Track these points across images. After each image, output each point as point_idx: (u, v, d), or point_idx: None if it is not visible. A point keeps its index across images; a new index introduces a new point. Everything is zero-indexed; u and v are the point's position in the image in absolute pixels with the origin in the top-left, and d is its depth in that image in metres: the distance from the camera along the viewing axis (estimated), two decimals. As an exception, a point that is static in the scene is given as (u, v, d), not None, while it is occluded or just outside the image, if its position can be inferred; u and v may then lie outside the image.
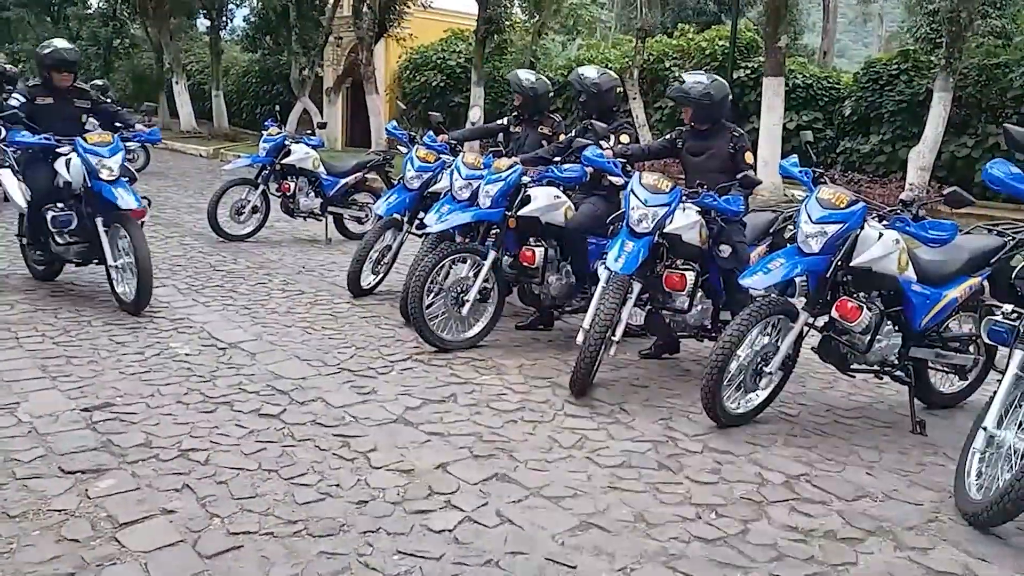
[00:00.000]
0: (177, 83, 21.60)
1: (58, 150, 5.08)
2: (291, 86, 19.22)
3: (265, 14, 21.15)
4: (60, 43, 5.45)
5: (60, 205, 5.12)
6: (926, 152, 11.18)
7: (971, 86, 12.08)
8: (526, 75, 5.68)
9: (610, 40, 20.63)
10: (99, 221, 5.05)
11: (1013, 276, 3.69)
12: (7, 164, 5.43)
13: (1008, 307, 3.53)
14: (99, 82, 15.58)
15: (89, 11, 26.87)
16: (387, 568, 2.46)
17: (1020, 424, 3.05)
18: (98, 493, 2.78)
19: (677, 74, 14.35)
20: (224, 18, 22.61)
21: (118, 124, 5.53)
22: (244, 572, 2.39)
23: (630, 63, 14.33)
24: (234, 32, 26.76)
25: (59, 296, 5.43)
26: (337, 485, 2.97)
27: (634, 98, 13.72)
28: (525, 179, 4.80)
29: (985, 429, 3.11)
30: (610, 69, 16.28)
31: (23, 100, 5.19)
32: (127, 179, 5.09)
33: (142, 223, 5.21)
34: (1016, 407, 3.11)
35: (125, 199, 4.89)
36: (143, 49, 26.81)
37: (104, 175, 4.91)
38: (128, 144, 5.42)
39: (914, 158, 11.30)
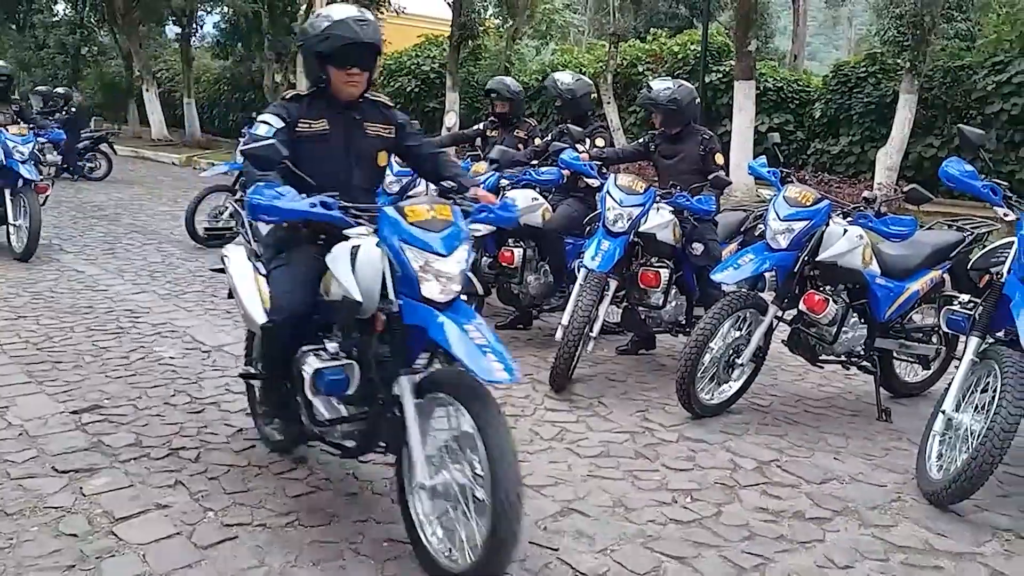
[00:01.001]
0: (147, 91, 21.44)
1: None
2: (264, 93, 19.18)
3: (236, 20, 21.10)
4: None
5: None
6: (893, 152, 11.48)
7: (937, 88, 12.42)
8: (511, 81, 5.86)
9: (584, 45, 20.86)
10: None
11: (968, 267, 3.87)
12: None
13: (965, 297, 3.72)
14: (61, 90, 15.49)
15: (56, 19, 26.54)
16: (378, 555, 2.56)
17: (976, 407, 3.22)
18: (92, 491, 2.85)
19: (651, 78, 14.60)
20: (194, 25, 22.52)
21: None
22: (240, 561, 2.47)
23: (603, 68, 14.53)
24: (204, 39, 26.65)
25: (39, 304, 5.45)
26: (327, 479, 3.06)
27: (608, 102, 13.91)
28: (504, 182, 4.92)
29: (944, 413, 3.28)
30: (584, 74, 16.48)
31: None
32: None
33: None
34: (972, 391, 3.28)
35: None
36: (112, 57, 26.57)
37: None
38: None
39: (882, 158, 11.60)
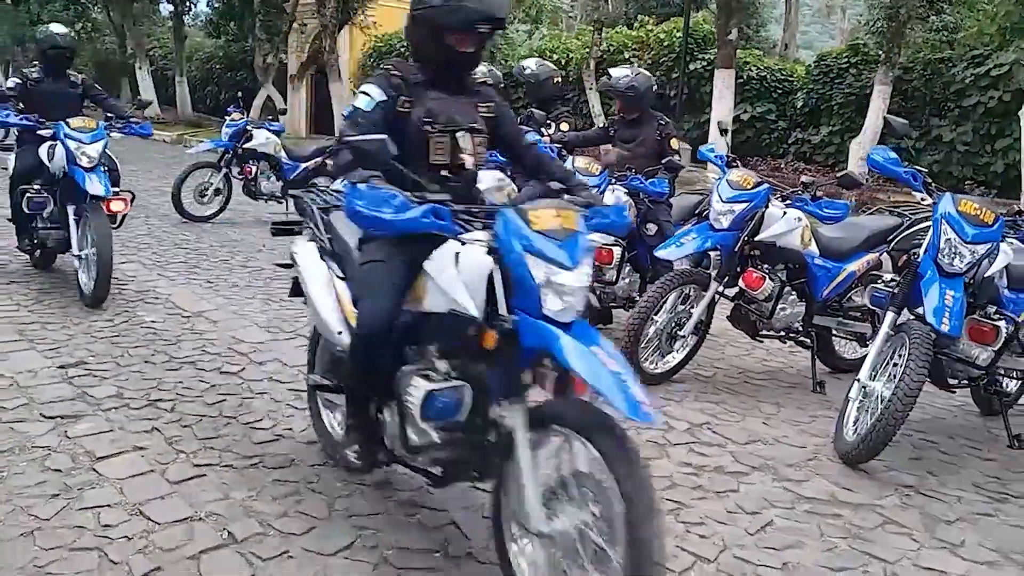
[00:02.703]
0: (140, 68, 21.56)
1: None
2: (255, 72, 19.33)
3: (229, 0, 21.19)
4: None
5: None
6: (866, 143, 11.73)
7: (916, 80, 12.67)
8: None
9: (575, 31, 21.03)
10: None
11: (890, 248, 4.16)
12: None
13: (888, 276, 4.03)
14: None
15: (50, -6, 26.53)
16: (331, 492, 2.86)
17: (889, 376, 3.53)
18: (76, 434, 3.14)
19: (636, 65, 14.83)
20: (188, 3, 22.58)
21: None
22: (207, 495, 2.76)
23: (588, 54, 14.74)
24: (197, 17, 26.70)
25: (30, 271, 5.70)
26: (289, 429, 3.35)
27: (590, 88, 14.13)
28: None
29: (859, 380, 3.59)
30: (570, 59, 16.54)
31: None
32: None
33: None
34: (887, 362, 3.59)
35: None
36: (105, 34, 26.61)
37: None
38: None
39: (855, 149, 11.88)
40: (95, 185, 4.76)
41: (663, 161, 4.80)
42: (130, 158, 13.76)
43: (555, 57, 16.36)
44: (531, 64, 5.53)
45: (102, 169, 4.88)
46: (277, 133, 8.28)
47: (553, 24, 23.54)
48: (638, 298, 4.96)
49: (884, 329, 3.62)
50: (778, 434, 3.76)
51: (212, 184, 8.17)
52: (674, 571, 2.52)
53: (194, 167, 8.16)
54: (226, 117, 8.40)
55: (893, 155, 3.78)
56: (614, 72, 4.89)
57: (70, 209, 4.93)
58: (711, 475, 3.27)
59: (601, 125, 5.21)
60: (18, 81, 5.38)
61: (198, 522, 2.59)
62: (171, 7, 22.57)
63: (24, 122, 5.11)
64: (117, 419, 3.31)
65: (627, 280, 4.85)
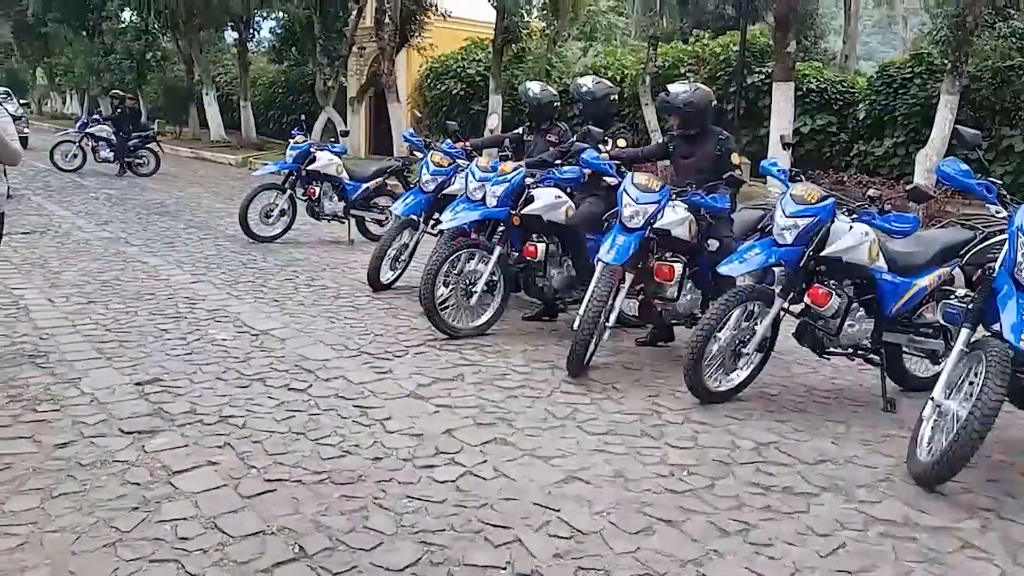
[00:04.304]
0: (207, 94, 22.35)
1: None
2: (316, 96, 19.84)
3: (290, 26, 21.87)
4: None
5: None
6: (933, 154, 11.39)
7: (984, 88, 12.28)
8: (532, 86, 6.12)
9: (628, 47, 21.05)
10: None
11: (963, 262, 4.03)
12: None
13: (962, 291, 3.90)
14: (117, 93, 16.71)
15: (123, 25, 27.80)
16: (397, 508, 2.90)
17: (965, 395, 3.40)
18: (153, 449, 3.26)
19: (692, 79, 14.75)
20: (251, 30, 23.37)
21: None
22: (277, 509, 2.83)
23: (643, 69, 14.71)
24: (260, 44, 27.61)
25: (107, 292, 5.95)
26: (356, 445, 3.41)
27: (646, 104, 14.11)
28: (529, 180, 5.23)
29: (933, 399, 3.47)
30: (625, 75, 16.54)
31: None
32: None
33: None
34: (962, 380, 3.47)
35: None
36: (174, 62, 27.70)
37: None
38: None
39: (921, 160, 11.54)
40: None
41: (724, 176, 4.75)
42: (198, 182, 14.33)
43: (610, 73, 16.40)
44: (588, 82, 5.56)
45: None
46: (339, 154, 8.47)
47: (608, 41, 23.56)
48: (700, 315, 4.91)
49: (958, 346, 3.50)
50: (848, 454, 3.67)
51: (277, 205, 8.40)
52: (743, 593, 2.47)
53: (260, 189, 8.40)
54: (290, 140, 8.64)
55: (965, 167, 3.67)
56: (672, 88, 4.87)
57: None
58: (780, 495, 3.20)
59: (659, 141, 5.17)
60: None
61: (270, 536, 2.66)
62: (235, 35, 23.38)
63: None
64: (191, 434, 3.42)
65: (689, 297, 4.80)
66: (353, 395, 4.00)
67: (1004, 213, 3.59)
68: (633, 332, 5.37)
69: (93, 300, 5.66)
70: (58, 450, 3.22)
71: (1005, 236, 3.63)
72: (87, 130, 14.34)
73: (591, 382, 4.44)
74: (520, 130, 6.29)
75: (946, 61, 11.57)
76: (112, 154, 14.17)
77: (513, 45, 16.90)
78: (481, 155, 6.19)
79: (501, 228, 5.24)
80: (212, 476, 3.05)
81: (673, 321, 5.01)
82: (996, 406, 3.18)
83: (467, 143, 6.29)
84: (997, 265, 3.50)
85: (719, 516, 3.00)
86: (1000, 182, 3.67)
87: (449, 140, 6.40)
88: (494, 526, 2.82)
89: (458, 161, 6.13)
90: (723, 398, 4.23)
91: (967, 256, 4.03)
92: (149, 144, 14.56)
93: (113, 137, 14.12)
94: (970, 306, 3.59)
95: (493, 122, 9.29)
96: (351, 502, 2.92)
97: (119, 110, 14.82)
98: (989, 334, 3.55)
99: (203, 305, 5.67)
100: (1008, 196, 3.64)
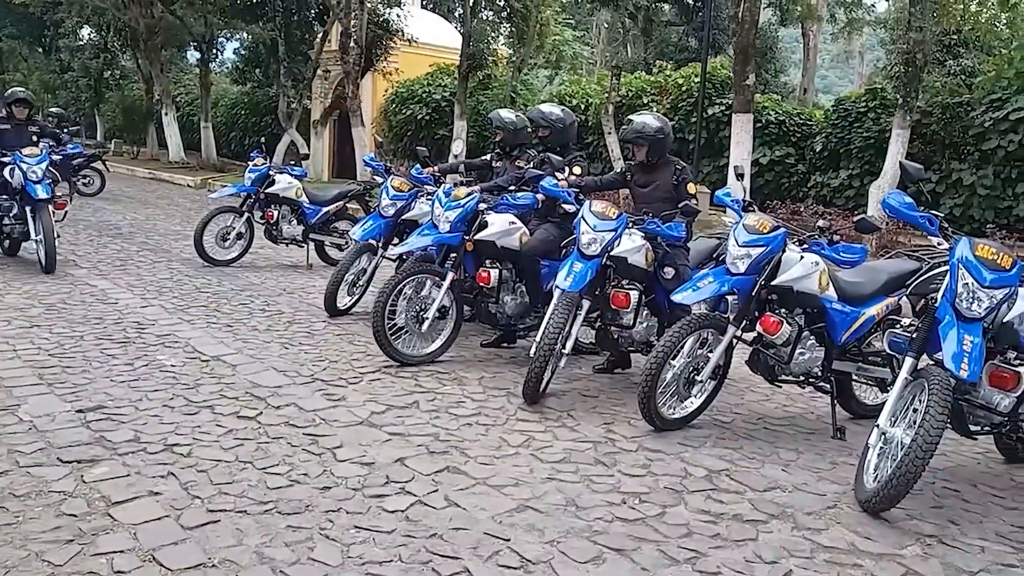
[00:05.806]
0: (166, 114, 22.07)
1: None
2: (279, 118, 19.73)
3: (254, 47, 21.74)
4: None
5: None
6: (885, 186, 11.70)
7: (935, 123, 12.66)
8: (506, 114, 6.18)
9: (595, 76, 21.33)
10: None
11: (908, 292, 4.13)
12: None
13: (907, 320, 3.99)
14: (54, 110, 16.59)
15: (81, 43, 27.38)
16: (344, 539, 2.84)
17: (909, 422, 3.47)
18: (92, 478, 3.16)
19: (655, 109, 15.00)
20: (214, 51, 23.18)
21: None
22: (221, 540, 2.76)
23: (606, 99, 14.91)
24: (223, 64, 27.40)
25: (52, 315, 5.80)
26: (305, 474, 3.35)
27: (609, 133, 14.27)
28: (482, 206, 5.23)
29: (879, 427, 3.53)
30: (589, 104, 16.74)
31: None
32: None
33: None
34: (907, 408, 3.53)
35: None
36: (133, 80, 27.34)
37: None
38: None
39: (875, 192, 11.85)
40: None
41: (679, 205, 4.83)
42: (153, 203, 14.08)
43: (575, 102, 16.58)
44: (556, 110, 5.66)
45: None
46: (299, 178, 8.41)
47: (573, 69, 23.87)
48: (656, 342, 4.95)
49: (903, 374, 3.57)
50: (797, 481, 3.70)
51: (234, 228, 8.29)
52: (690, 624, 2.47)
53: (217, 211, 8.28)
54: (248, 162, 8.56)
55: (908, 199, 3.77)
56: (635, 118, 4.96)
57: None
58: (729, 523, 3.22)
59: (619, 170, 5.23)
60: None
61: (211, 568, 2.59)
62: (198, 55, 23.18)
63: None
64: (134, 463, 3.33)
65: (645, 324, 4.84)
66: (304, 423, 3.94)
67: (946, 245, 3.69)
68: (590, 359, 5.39)
69: (36, 324, 5.51)
70: (-9, 480, 3.11)
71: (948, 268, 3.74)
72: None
73: (547, 409, 4.43)
74: (488, 156, 6.32)
75: (898, 96, 11.93)
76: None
77: (479, 72, 17.01)
78: (446, 181, 6.21)
79: (454, 254, 5.23)
80: (153, 507, 2.96)
81: (629, 348, 5.03)
82: (938, 433, 3.25)
83: (435, 169, 6.29)
84: (939, 295, 3.59)
85: (669, 545, 3.00)
86: (942, 215, 3.77)
87: (418, 165, 6.40)
88: (443, 556, 2.78)
89: (426, 187, 6.13)
90: (677, 425, 4.25)
91: (912, 286, 4.12)
92: (94, 163, 14.24)
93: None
94: (914, 335, 3.67)
95: (457, 147, 9.35)
96: (297, 533, 2.86)
97: (64, 128, 14.49)
98: (932, 362, 3.64)
99: (153, 330, 5.55)
100: (949, 228, 3.74)
